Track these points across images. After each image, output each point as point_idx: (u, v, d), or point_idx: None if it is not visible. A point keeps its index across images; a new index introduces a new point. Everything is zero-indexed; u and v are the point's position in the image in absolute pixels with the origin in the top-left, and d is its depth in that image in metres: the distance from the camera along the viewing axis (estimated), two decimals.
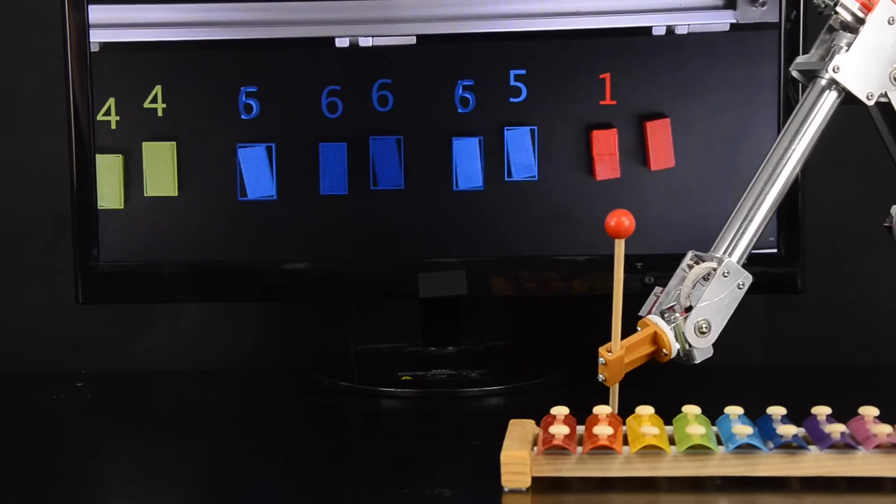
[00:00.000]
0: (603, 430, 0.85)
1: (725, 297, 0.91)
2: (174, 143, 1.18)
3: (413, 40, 1.17)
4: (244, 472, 0.93)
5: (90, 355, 1.35)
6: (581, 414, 0.91)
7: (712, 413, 0.90)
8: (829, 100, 0.93)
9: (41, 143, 1.34)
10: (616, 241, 0.87)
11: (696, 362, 0.92)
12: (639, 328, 0.92)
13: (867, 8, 0.92)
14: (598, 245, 1.17)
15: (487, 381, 1.17)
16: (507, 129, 1.17)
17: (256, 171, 1.17)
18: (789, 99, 1.15)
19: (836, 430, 0.84)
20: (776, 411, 0.88)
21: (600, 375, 0.90)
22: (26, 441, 1.04)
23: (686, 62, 1.16)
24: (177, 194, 1.18)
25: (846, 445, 0.84)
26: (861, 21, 0.92)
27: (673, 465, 0.85)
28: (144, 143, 1.18)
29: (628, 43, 1.16)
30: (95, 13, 1.17)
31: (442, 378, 1.18)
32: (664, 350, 0.90)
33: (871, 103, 0.93)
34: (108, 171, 1.18)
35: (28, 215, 1.35)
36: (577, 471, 0.85)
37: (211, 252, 1.19)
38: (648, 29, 1.16)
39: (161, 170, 1.18)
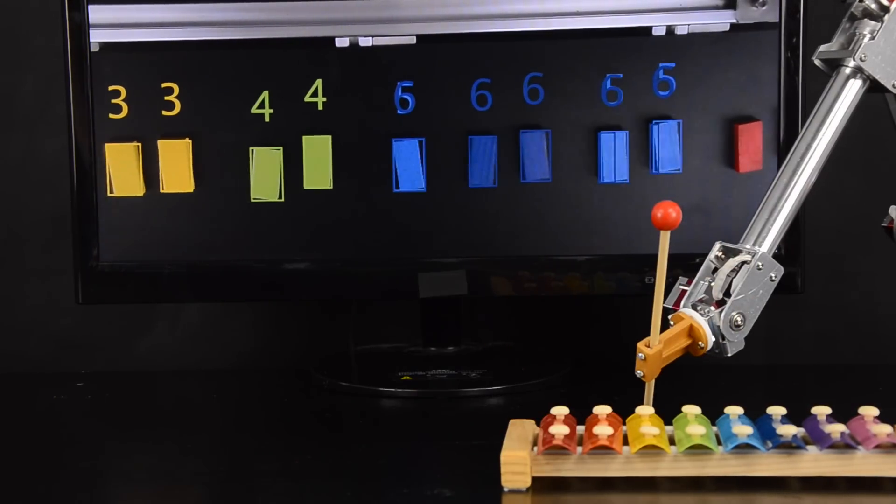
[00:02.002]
0: (603, 430, 0.85)
1: (759, 289, 0.90)
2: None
3: (413, 40, 1.17)
4: (244, 472, 0.93)
5: (90, 355, 1.35)
6: (581, 414, 0.91)
7: (712, 413, 0.90)
8: (854, 88, 0.93)
9: (41, 143, 1.34)
10: (661, 233, 0.86)
11: (729, 355, 0.90)
12: (672, 322, 0.90)
13: None
14: (598, 245, 1.17)
15: (487, 381, 1.17)
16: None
17: (409, 164, 1.17)
18: (790, 99, 1.15)
19: (836, 430, 0.84)
20: (776, 411, 0.88)
21: (638, 371, 0.89)
22: (26, 441, 1.04)
23: (686, 62, 1.16)
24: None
25: (846, 445, 0.84)
26: (886, 9, 0.92)
27: (673, 465, 0.85)
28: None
29: (628, 43, 1.16)
30: (95, 13, 1.17)
31: (442, 378, 1.18)
32: (700, 343, 0.90)
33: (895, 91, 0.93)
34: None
35: (28, 215, 1.35)
36: (577, 471, 0.85)
37: (213, 252, 1.19)
38: (648, 29, 1.16)
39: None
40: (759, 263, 0.90)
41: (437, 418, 1.09)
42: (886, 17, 0.92)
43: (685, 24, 1.16)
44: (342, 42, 1.17)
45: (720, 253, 0.92)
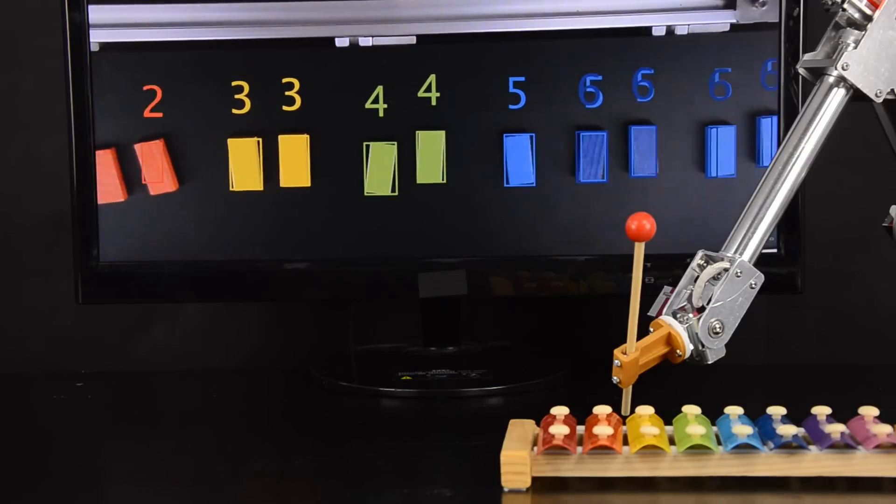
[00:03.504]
0: (603, 430, 0.85)
1: (738, 296, 0.90)
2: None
3: (413, 40, 1.17)
4: (244, 472, 0.93)
5: (90, 355, 1.35)
6: (581, 414, 0.91)
7: (712, 413, 0.90)
8: (838, 97, 0.93)
9: (41, 143, 1.34)
10: (636, 244, 0.86)
11: (709, 363, 0.91)
12: (651, 329, 0.91)
13: (875, 5, 0.92)
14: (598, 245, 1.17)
15: (487, 381, 1.17)
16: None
17: (520, 159, 1.17)
18: (790, 98, 1.15)
19: (836, 430, 0.84)
20: (776, 411, 0.88)
21: (615, 378, 0.89)
22: (26, 441, 1.04)
23: (686, 62, 1.16)
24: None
25: (846, 445, 0.84)
26: (869, 18, 0.92)
27: (673, 465, 0.85)
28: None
29: (628, 43, 1.16)
30: (95, 13, 1.17)
31: (442, 378, 1.18)
32: (678, 351, 0.90)
33: (879, 101, 0.93)
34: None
35: (28, 215, 1.35)
36: (577, 471, 0.85)
37: (212, 252, 1.19)
38: (648, 29, 1.16)
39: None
40: (738, 271, 0.90)
41: (437, 418, 1.09)
42: (869, 26, 0.92)
43: (685, 24, 1.16)
44: (342, 42, 1.17)
45: (702, 261, 0.92)
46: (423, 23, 1.17)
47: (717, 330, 0.90)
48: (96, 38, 1.18)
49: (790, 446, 0.84)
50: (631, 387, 0.90)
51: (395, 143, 1.18)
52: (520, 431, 0.89)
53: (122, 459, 0.99)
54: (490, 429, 0.93)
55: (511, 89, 1.17)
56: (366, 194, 1.18)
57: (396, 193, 1.18)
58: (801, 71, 0.96)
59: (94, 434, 1.07)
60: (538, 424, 0.91)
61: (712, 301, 0.89)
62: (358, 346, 1.32)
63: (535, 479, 0.85)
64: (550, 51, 1.16)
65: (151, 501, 0.88)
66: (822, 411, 0.88)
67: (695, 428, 0.85)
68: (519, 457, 0.84)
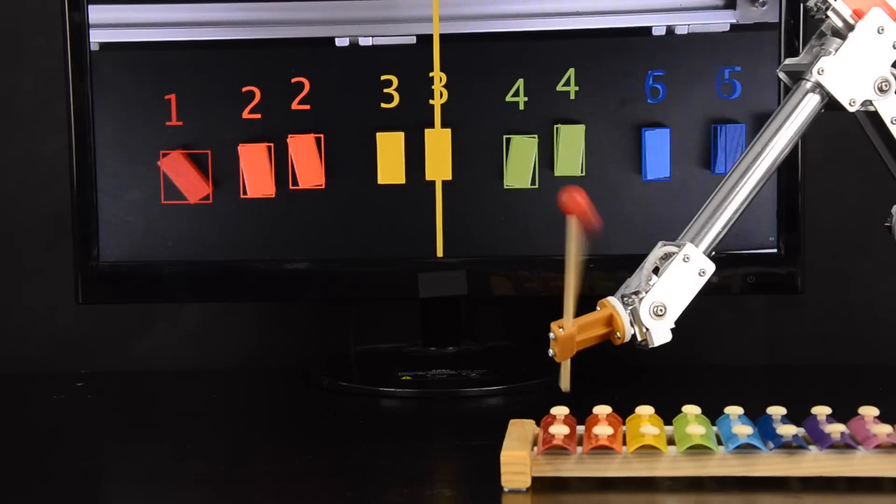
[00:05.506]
0: (603, 430, 0.85)
1: (684, 282, 0.90)
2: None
3: (413, 40, 1.17)
4: (244, 472, 0.93)
5: (90, 355, 1.35)
6: (581, 414, 0.91)
7: (712, 413, 0.90)
8: (812, 103, 0.92)
9: (41, 143, 1.34)
10: (569, 217, 0.87)
11: (654, 346, 0.90)
12: (598, 307, 0.91)
13: (858, 15, 0.92)
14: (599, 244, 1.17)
15: (487, 381, 1.17)
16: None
17: (659, 154, 1.17)
18: None
19: (836, 430, 0.84)
20: (776, 411, 0.88)
21: (551, 350, 0.89)
22: (26, 441, 1.04)
23: (686, 62, 1.16)
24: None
25: (846, 445, 0.84)
26: (851, 27, 0.92)
27: (672, 465, 0.85)
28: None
29: (628, 43, 1.16)
30: (95, 13, 1.17)
31: (442, 378, 1.18)
32: (618, 333, 0.90)
33: (852, 109, 0.92)
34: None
35: (28, 215, 1.35)
36: (577, 471, 0.85)
37: (212, 252, 1.19)
38: (648, 29, 1.16)
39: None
40: (686, 255, 0.90)
41: (437, 418, 1.09)
42: (850, 34, 0.92)
43: (685, 24, 1.16)
44: (342, 42, 1.17)
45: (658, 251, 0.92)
46: (424, 23, 1.17)
47: (660, 312, 0.89)
48: (96, 38, 1.18)
49: (790, 446, 0.84)
50: (569, 361, 0.89)
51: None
52: (520, 431, 0.89)
53: (122, 459, 0.99)
54: (490, 429, 0.93)
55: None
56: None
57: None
58: (781, 75, 0.96)
59: (94, 434, 1.07)
60: (538, 424, 0.91)
61: (655, 282, 0.89)
62: (358, 346, 1.32)
63: (535, 479, 0.85)
64: (545, 51, 1.17)
65: (151, 501, 0.88)
66: (822, 411, 0.88)
67: (695, 428, 0.85)
68: (519, 457, 0.84)
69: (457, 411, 1.11)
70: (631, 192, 1.18)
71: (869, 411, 0.87)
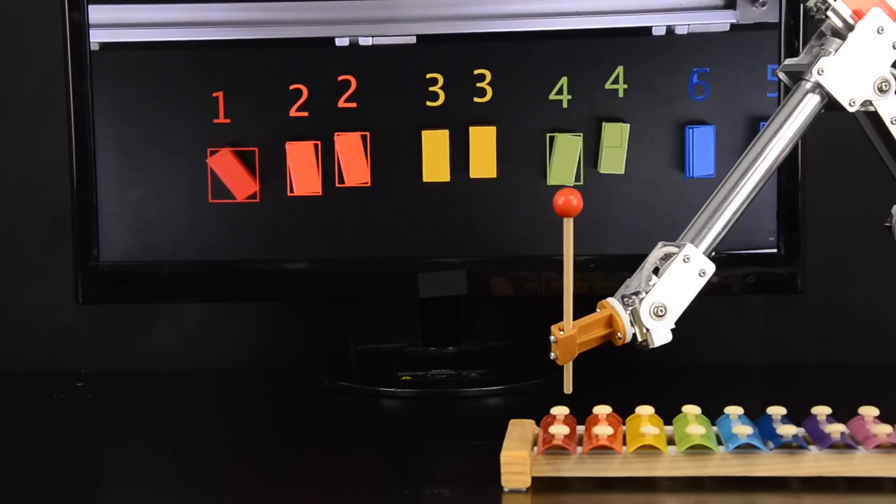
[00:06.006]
0: (603, 430, 0.85)
1: (684, 282, 0.90)
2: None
3: (413, 40, 1.17)
4: (244, 472, 0.93)
5: (90, 355, 1.35)
6: (581, 414, 0.91)
7: (712, 413, 0.90)
8: (812, 103, 0.92)
9: (41, 143, 1.34)
10: (565, 220, 0.87)
11: (654, 347, 0.89)
12: (598, 309, 0.91)
13: (858, 16, 0.92)
14: (598, 243, 1.17)
15: (487, 381, 1.17)
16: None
17: (704, 151, 1.17)
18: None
19: (836, 430, 0.84)
20: (776, 411, 0.88)
21: (552, 353, 0.89)
22: (26, 441, 1.04)
23: (685, 62, 1.16)
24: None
25: (846, 445, 0.84)
26: (851, 28, 0.92)
27: (672, 465, 0.85)
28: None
29: (628, 43, 1.16)
30: (95, 13, 1.17)
31: (442, 378, 1.18)
32: (618, 333, 0.90)
33: (852, 110, 0.92)
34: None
35: (28, 215, 1.35)
36: (577, 471, 0.85)
37: (212, 252, 1.19)
38: (648, 29, 1.16)
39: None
40: (686, 256, 0.90)
41: (437, 418, 1.09)
42: (850, 35, 0.92)
43: (685, 24, 1.16)
44: (342, 42, 1.17)
45: (658, 251, 0.92)
46: (424, 22, 1.17)
47: (660, 313, 0.89)
48: (96, 38, 1.18)
49: (790, 446, 0.84)
50: (571, 364, 0.89)
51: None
52: (520, 431, 0.89)
53: (122, 459, 0.99)
54: (490, 429, 0.93)
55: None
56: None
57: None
58: (780, 75, 0.96)
59: (94, 434, 1.07)
60: (538, 424, 0.91)
61: (656, 283, 0.89)
62: (358, 346, 1.32)
63: (535, 479, 0.85)
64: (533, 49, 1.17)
65: (151, 501, 0.88)
66: (822, 411, 0.88)
67: (695, 428, 0.85)
68: (519, 457, 0.84)
69: (457, 411, 1.11)
70: (671, 189, 1.17)
71: (869, 411, 0.87)
